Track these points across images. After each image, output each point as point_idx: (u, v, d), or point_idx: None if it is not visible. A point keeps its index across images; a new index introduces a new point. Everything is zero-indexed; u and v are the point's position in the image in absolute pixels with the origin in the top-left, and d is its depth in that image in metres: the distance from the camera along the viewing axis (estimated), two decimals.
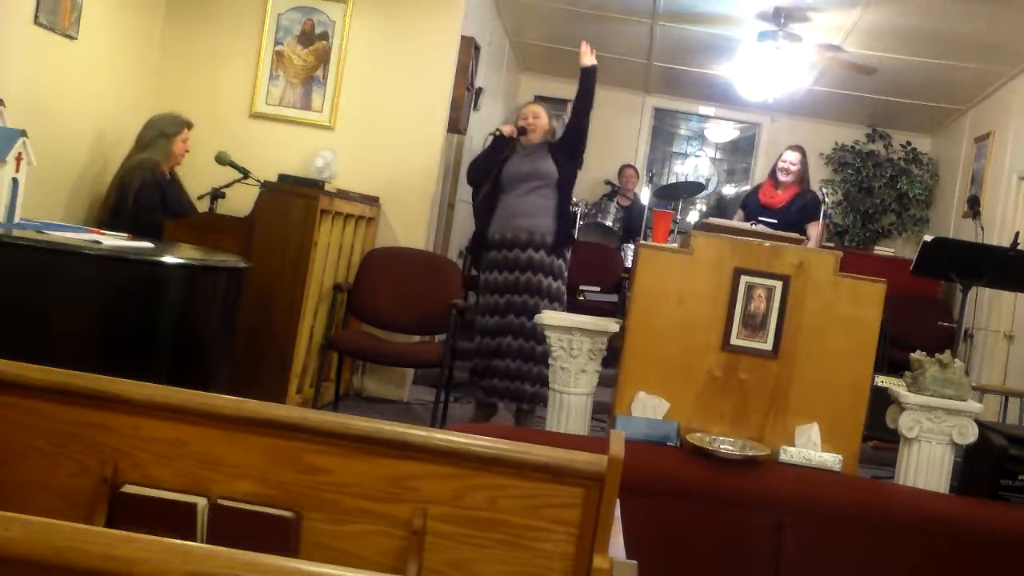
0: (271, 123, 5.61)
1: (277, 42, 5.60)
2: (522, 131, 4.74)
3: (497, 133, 4.77)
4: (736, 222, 5.09)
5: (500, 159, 4.75)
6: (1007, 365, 6.27)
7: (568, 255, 4.80)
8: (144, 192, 4.59)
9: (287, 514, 1.75)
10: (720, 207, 9.68)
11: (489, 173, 4.77)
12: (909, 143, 8.90)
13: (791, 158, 5.64)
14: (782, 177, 5.63)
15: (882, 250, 8.18)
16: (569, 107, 4.99)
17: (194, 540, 1.69)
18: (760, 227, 4.59)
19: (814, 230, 5.58)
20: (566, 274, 4.77)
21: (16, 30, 4.19)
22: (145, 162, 4.68)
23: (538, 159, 4.73)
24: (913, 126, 8.83)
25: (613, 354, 3.64)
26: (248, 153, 5.18)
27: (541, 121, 4.77)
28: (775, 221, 5.20)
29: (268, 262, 4.48)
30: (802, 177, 5.65)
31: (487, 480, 1.73)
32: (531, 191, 4.69)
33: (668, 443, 3.25)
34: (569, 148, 4.78)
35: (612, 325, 3.63)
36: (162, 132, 4.76)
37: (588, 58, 4.71)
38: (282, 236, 4.59)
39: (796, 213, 5.52)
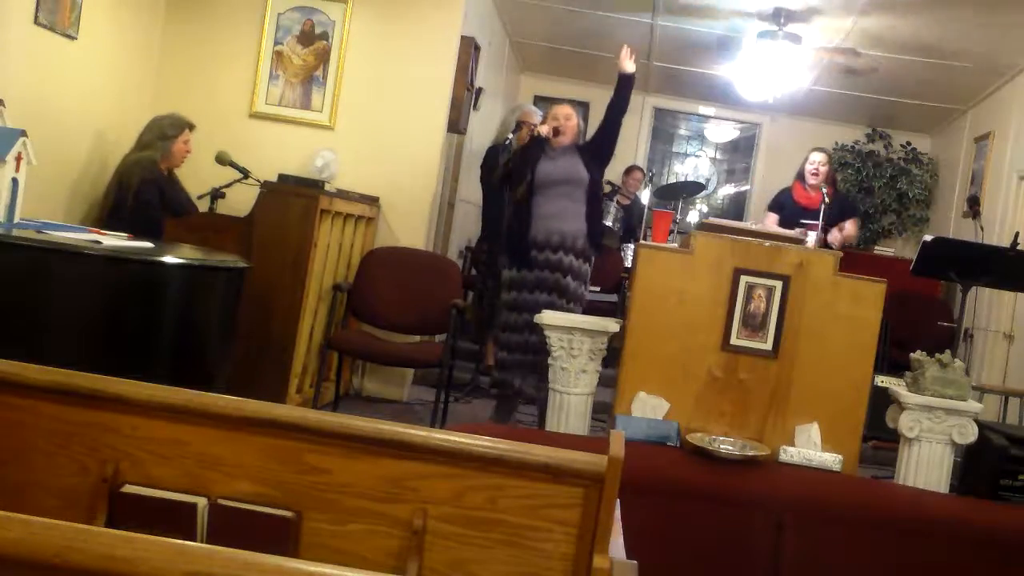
0: (271, 123, 5.61)
1: (277, 42, 5.60)
2: (555, 132, 4.65)
3: (536, 134, 4.68)
4: (771, 225, 5.17)
5: (535, 161, 4.67)
6: (1007, 365, 6.27)
7: (593, 259, 4.77)
8: (143, 188, 4.59)
9: (287, 514, 1.75)
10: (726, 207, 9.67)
11: (525, 175, 4.67)
12: (909, 143, 8.90)
13: (819, 159, 5.68)
14: (812, 180, 5.66)
15: (882, 250, 8.17)
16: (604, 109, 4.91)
17: (194, 540, 1.69)
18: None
19: (852, 225, 5.77)
20: (588, 277, 4.75)
21: (16, 30, 4.20)
22: (143, 159, 4.68)
23: (568, 162, 4.67)
24: (913, 126, 8.82)
25: (613, 354, 3.64)
26: (248, 153, 5.18)
27: (571, 123, 4.71)
28: (819, 222, 5.24)
29: (268, 262, 4.48)
30: (831, 177, 5.71)
31: (487, 480, 1.73)
32: (562, 195, 4.62)
33: (668, 443, 3.25)
34: (601, 152, 4.75)
35: (612, 325, 3.62)
36: (163, 133, 4.75)
37: (629, 64, 4.62)
38: (282, 236, 4.59)
39: (837, 211, 5.59)
